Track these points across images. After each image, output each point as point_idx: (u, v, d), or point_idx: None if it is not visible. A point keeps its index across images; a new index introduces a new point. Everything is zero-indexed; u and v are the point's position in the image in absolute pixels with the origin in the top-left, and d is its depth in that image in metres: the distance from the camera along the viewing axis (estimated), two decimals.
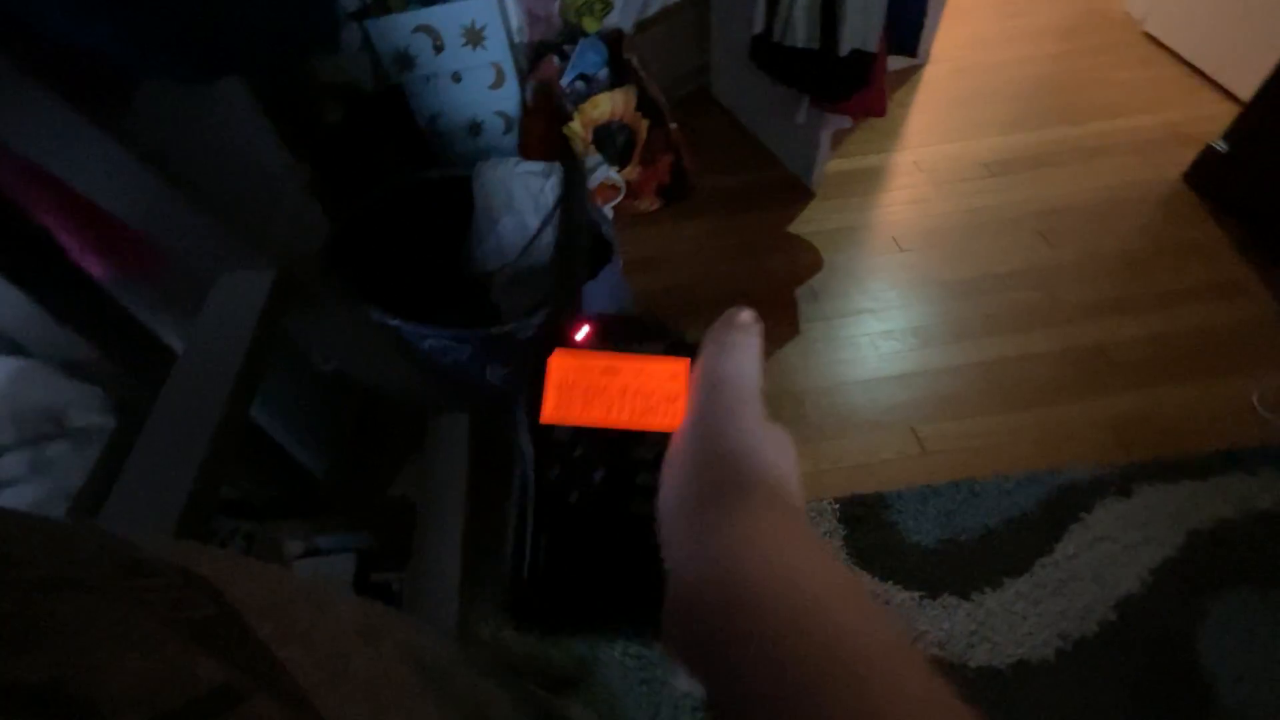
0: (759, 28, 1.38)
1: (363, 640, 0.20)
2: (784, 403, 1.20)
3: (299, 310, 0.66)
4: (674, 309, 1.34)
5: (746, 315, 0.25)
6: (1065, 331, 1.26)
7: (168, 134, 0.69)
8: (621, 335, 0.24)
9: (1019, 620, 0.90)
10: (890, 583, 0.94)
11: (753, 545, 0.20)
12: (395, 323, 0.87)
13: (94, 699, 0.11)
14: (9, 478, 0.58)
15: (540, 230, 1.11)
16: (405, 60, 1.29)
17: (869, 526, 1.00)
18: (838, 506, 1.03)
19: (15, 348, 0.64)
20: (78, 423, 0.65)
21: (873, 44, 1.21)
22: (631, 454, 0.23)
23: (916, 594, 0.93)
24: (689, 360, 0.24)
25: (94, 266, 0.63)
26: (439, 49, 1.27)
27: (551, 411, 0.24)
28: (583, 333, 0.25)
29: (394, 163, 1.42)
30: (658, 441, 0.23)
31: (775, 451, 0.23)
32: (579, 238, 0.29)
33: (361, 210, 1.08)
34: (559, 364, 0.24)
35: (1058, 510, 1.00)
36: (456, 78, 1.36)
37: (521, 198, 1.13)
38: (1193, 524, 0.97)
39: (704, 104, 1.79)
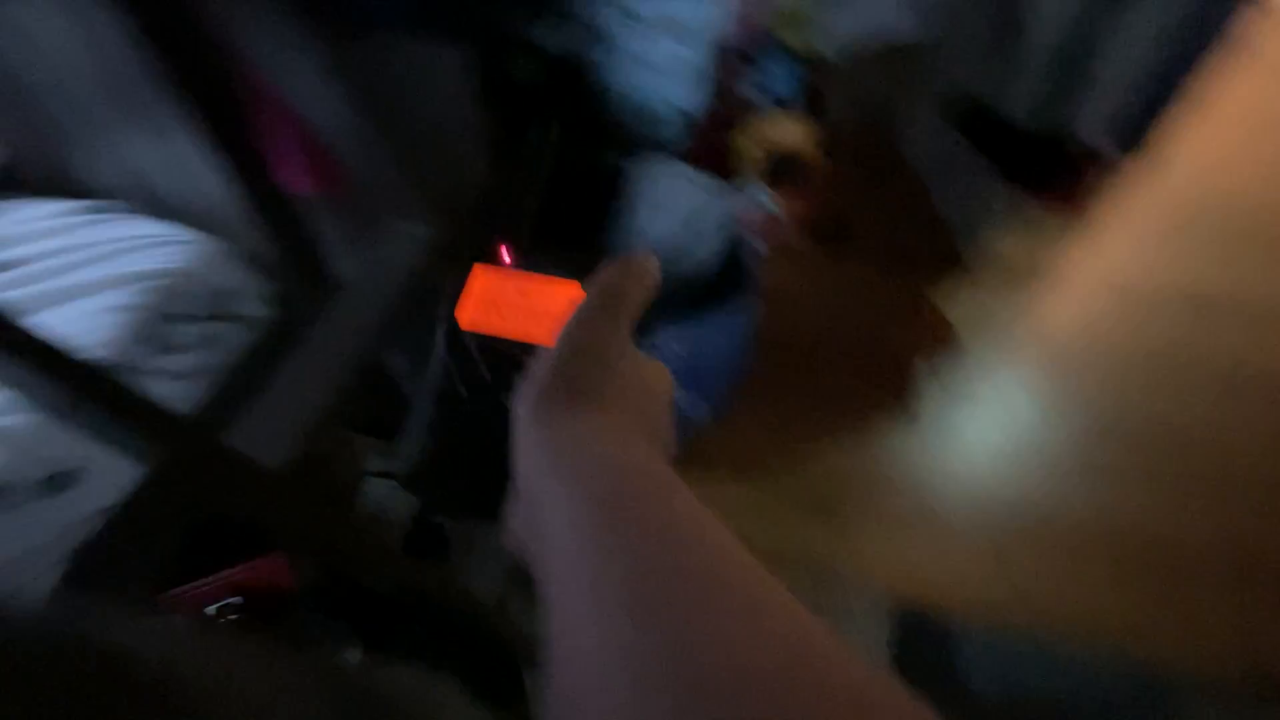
0: (976, 89, 1.27)
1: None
2: (873, 483, 1.13)
3: (445, 269, 0.69)
4: (787, 356, 1.29)
5: (638, 262, 0.26)
6: (1230, 519, 1.09)
7: (382, 73, 0.74)
8: (544, 260, 0.28)
9: None
10: None
11: (581, 439, 0.20)
12: None
13: None
14: (180, 345, 0.66)
15: (689, 246, 1.10)
16: (601, 35, 1.31)
17: (924, 650, 0.93)
18: (898, 612, 0.96)
19: (216, 229, 0.71)
20: (246, 310, 0.72)
21: (1098, 136, 1.08)
22: (518, 359, 0.26)
23: None
24: (579, 282, 0.26)
25: (291, 178, 0.70)
26: (636, 31, 1.28)
27: (468, 319, 0.27)
28: (507, 253, 0.29)
29: (565, 129, 1.45)
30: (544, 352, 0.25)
31: (647, 374, 0.24)
32: (540, 180, 0.34)
33: (519, 179, 1.12)
34: (481, 277, 0.27)
35: (1145, 705, 0.88)
36: (647, 62, 1.36)
37: (675, 206, 1.13)
38: None
39: (883, 148, 1.69)
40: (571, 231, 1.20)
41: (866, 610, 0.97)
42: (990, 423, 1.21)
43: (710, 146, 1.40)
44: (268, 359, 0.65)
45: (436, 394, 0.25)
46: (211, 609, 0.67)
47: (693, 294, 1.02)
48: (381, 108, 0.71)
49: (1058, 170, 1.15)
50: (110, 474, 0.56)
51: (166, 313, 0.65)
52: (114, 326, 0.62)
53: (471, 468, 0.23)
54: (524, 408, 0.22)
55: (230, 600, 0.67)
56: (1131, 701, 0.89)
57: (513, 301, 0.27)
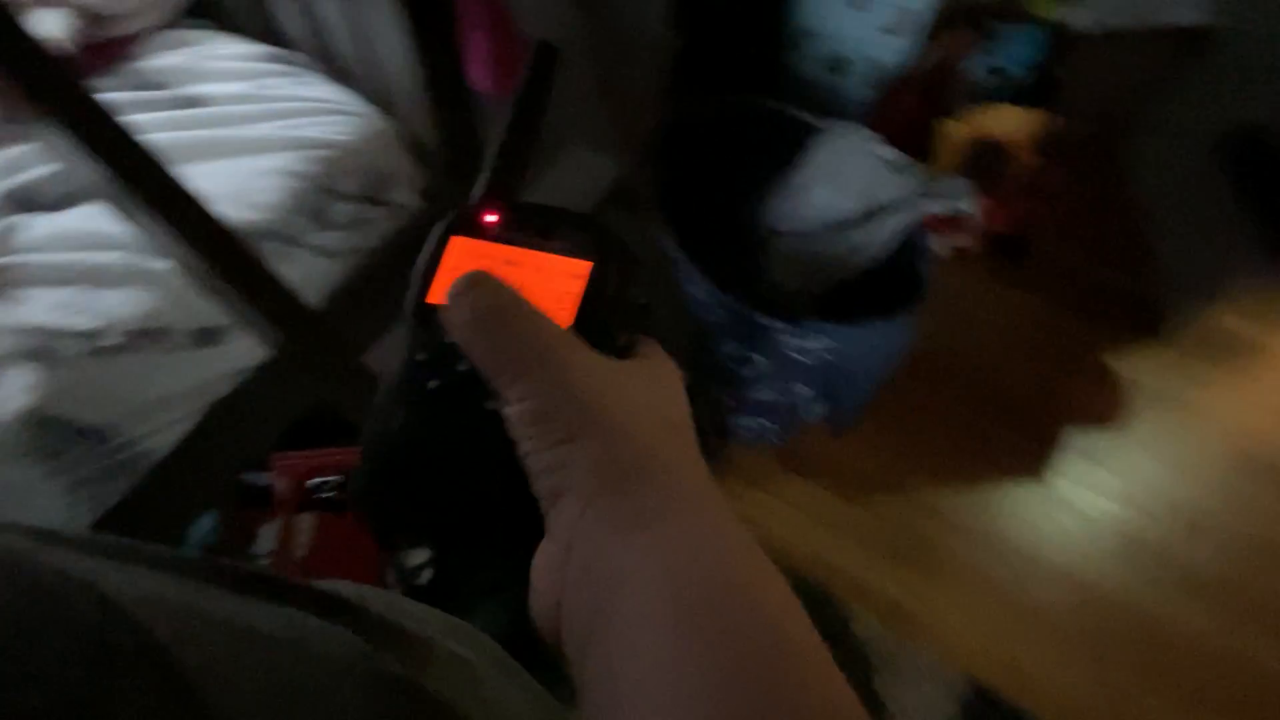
0: (1265, 111, 1.02)
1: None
2: (978, 542, 1.02)
3: (619, 211, 0.63)
4: (925, 370, 1.15)
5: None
6: None
7: None
8: (534, 228, 0.23)
9: None
10: None
11: (653, 529, 0.17)
12: (676, 256, 0.82)
13: None
14: (334, 223, 0.64)
15: (853, 222, 0.97)
16: None
17: None
18: (969, 686, 0.88)
19: (389, 107, 0.68)
20: (398, 198, 0.69)
21: None
22: None
23: None
24: (591, 263, 0.22)
25: (477, 74, 0.64)
26: None
27: (438, 293, 0.22)
28: (491, 219, 0.23)
29: (749, 66, 1.31)
30: None
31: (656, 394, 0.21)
32: (535, 118, 0.26)
33: (694, 117, 1.01)
34: (458, 248, 0.23)
35: None
36: (859, 3, 1.18)
37: (854, 176, 0.99)
38: None
39: (1105, 161, 1.43)
40: (722, 199, 1.09)
41: (933, 676, 0.90)
42: (1131, 513, 1.06)
43: (910, 122, 1.22)
44: (407, 260, 0.62)
45: (399, 387, 0.18)
46: (314, 482, 0.70)
47: (854, 288, 0.92)
48: (586, 15, 0.63)
49: None
50: (251, 338, 0.56)
51: (328, 187, 0.64)
52: (278, 191, 0.61)
53: (442, 484, 0.17)
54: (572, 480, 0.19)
55: (330, 479, 0.69)
56: None
57: (500, 277, 0.22)
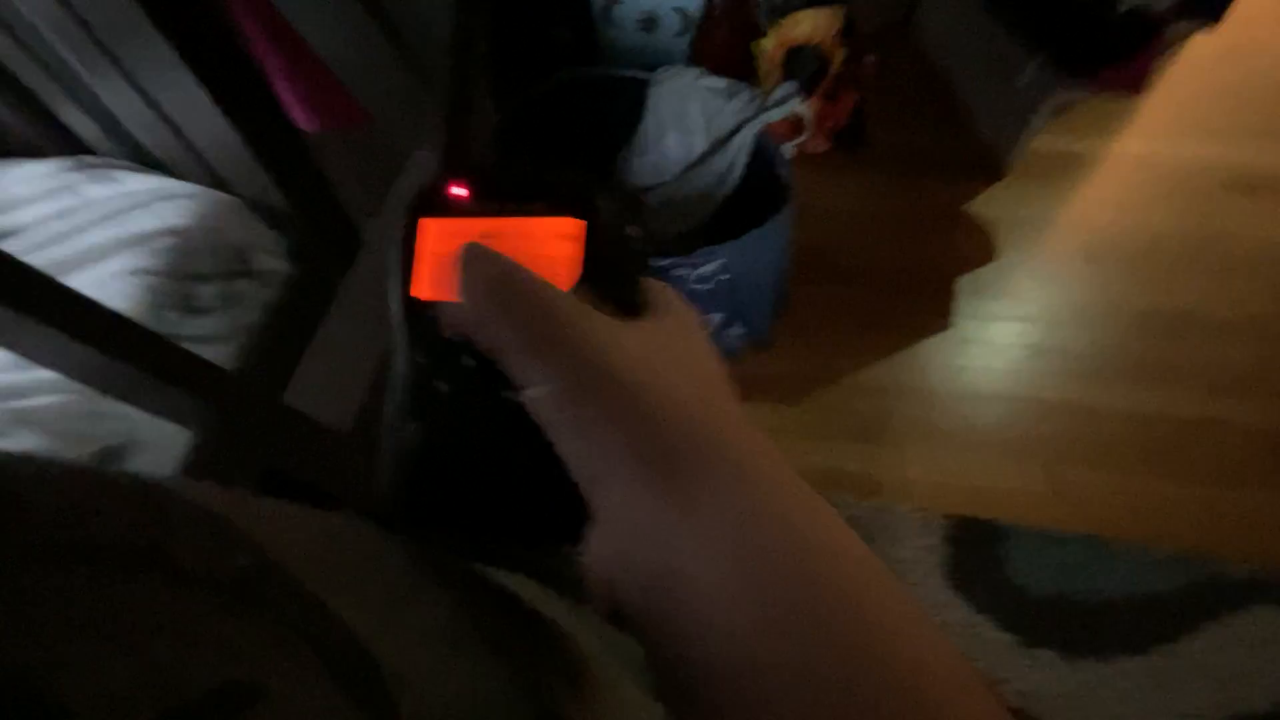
0: None
1: (417, 590, 0.18)
2: (912, 398, 1.11)
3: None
4: (816, 272, 1.24)
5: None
6: (1274, 408, 1.07)
7: None
8: (508, 191, 0.20)
9: (1119, 699, 0.83)
10: (985, 616, 0.89)
11: (751, 528, 0.16)
12: None
13: (64, 701, 0.09)
14: (203, 307, 0.62)
15: (707, 155, 1.03)
16: None
17: (975, 554, 0.94)
18: (946, 523, 0.97)
19: (220, 182, 0.66)
20: (263, 265, 0.68)
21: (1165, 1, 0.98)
22: None
23: (1012, 637, 0.88)
24: (581, 220, 0.20)
25: (303, 119, 0.63)
26: None
27: (422, 286, 0.20)
28: (457, 191, 0.21)
29: (565, 47, 1.34)
30: None
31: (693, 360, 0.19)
32: (471, 84, 0.24)
33: (528, 101, 1.04)
34: (430, 232, 0.20)
35: (1198, 601, 0.89)
36: None
37: (694, 115, 1.05)
38: None
39: (901, 42, 1.57)
40: (579, 160, 1.13)
41: (918, 525, 0.98)
42: (1030, 328, 1.18)
43: (728, 52, 1.29)
44: (301, 315, 0.61)
45: (407, 398, 0.19)
46: None
47: (726, 210, 0.97)
48: (390, 29, 0.64)
49: (1110, 48, 1.05)
50: (160, 445, 0.53)
51: (183, 273, 0.61)
52: (131, 292, 0.58)
53: (471, 488, 0.16)
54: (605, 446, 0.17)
55: None
56: (1182, 596, 0.90)
57: None
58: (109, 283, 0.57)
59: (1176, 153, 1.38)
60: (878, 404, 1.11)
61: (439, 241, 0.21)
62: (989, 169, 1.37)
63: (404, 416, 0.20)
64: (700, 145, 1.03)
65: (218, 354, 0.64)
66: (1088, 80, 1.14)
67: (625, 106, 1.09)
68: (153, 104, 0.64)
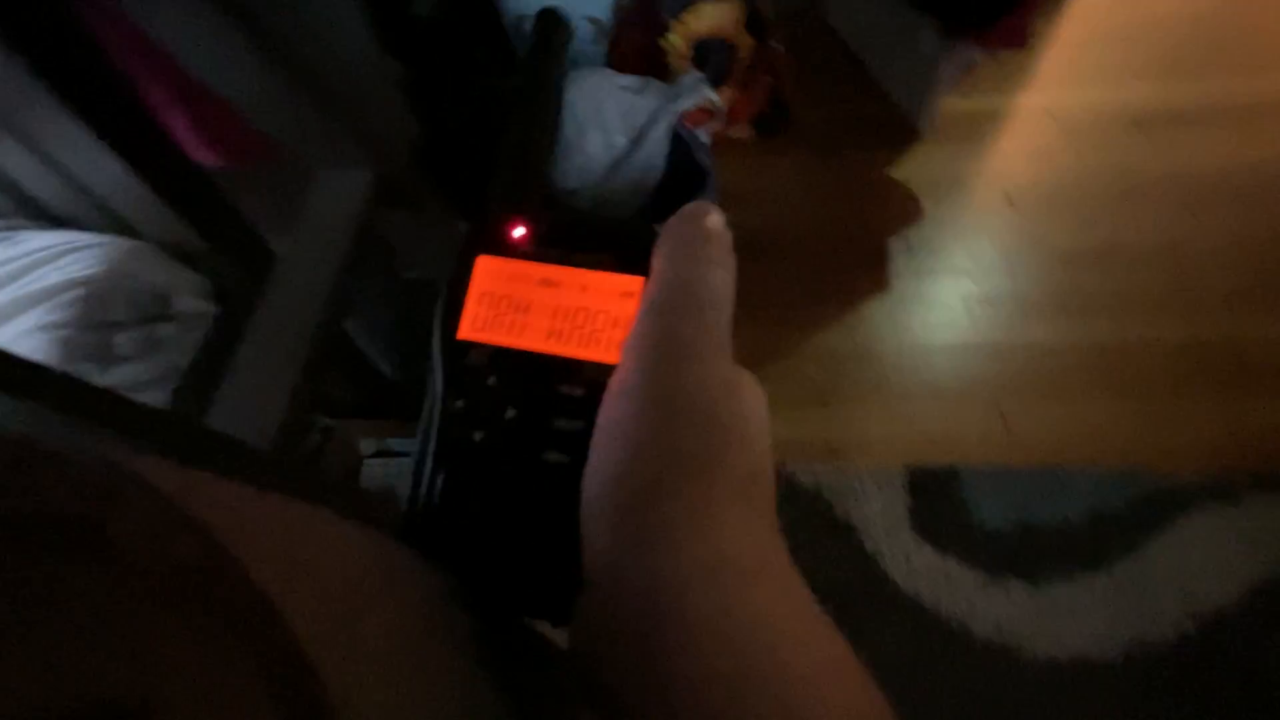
0: None
1: (378, 596, 0.17)
2: (862, 359, 1.14)
3: (394, 214, 0.64)
4: (753, 252, 1.27)
5: (717, 218, 0.19)
6: (1195, 321, 1.13)
7: (274, 18, 0.66)
8: (573, 239, 0.19)
9: (1087, 615, 0.86)
10: (952, 558, 0.92)
11: (711, 579, 0.15)
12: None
13: None
14: (123, 355, 0.61)
15: (630, 151, 1.05)
16: None
17: (937, 499, 0.97)
18: (906, 474, 0.99)
19: (128, 229, 0.65)
20: (183, 307, 0.67)
21: None
22: (557, 389, 0.19)
23: (979, 573, 0.90)
24: (644, 277, 0.19)
25: (204, 156, 0.63)
26: None
27: (469, 327, 0.19)
28: (520, 232, 0.19)
29: (485, 64, 1.36)
30: (593, 377, 0.18)
31: (748, 408, 0.18)
32: (547, 105, 0.23)
33: (452, 114, 1.05)
34: (486, 270, 0.19)
35: (1151, 511, 0.93)
36: None
37: (611, 114, 1.07)
38: None
39: (811, 24, 1.62)
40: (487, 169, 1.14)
41: (880, 480, 1.00)
42: (964, 279, 1.22)
43: (642, 55, 1.32)
44: (222, 350, 0.60)
45: (437, 440, 0.19)
46: None
47: (658, 201, 0.99)
48: (282, 55, 0.64)
49: (988, 7, 1.11)
50: None
51: (97, 322, 0.60)
52: (43, 347, 0.57)
53: (486, 540, 0.18)
54: (602, 483, 0.16)
55: None
56: (1135, 508, 0.94)
57: (536, 300, 0.19)
58: (18, 342, 0.56)
59: (1077, 99, 1.45)
60: (829, 370, 1.14)
61: (492, 282, 0.20)
62: (907, 134, 1.43)
63: (430, 465, 0.19)
64: (621, 142, 1.05)
65: (149, 400, 0.63)
66: (974, 40, 1.20)
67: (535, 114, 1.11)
68: (50, 161, 0.64)
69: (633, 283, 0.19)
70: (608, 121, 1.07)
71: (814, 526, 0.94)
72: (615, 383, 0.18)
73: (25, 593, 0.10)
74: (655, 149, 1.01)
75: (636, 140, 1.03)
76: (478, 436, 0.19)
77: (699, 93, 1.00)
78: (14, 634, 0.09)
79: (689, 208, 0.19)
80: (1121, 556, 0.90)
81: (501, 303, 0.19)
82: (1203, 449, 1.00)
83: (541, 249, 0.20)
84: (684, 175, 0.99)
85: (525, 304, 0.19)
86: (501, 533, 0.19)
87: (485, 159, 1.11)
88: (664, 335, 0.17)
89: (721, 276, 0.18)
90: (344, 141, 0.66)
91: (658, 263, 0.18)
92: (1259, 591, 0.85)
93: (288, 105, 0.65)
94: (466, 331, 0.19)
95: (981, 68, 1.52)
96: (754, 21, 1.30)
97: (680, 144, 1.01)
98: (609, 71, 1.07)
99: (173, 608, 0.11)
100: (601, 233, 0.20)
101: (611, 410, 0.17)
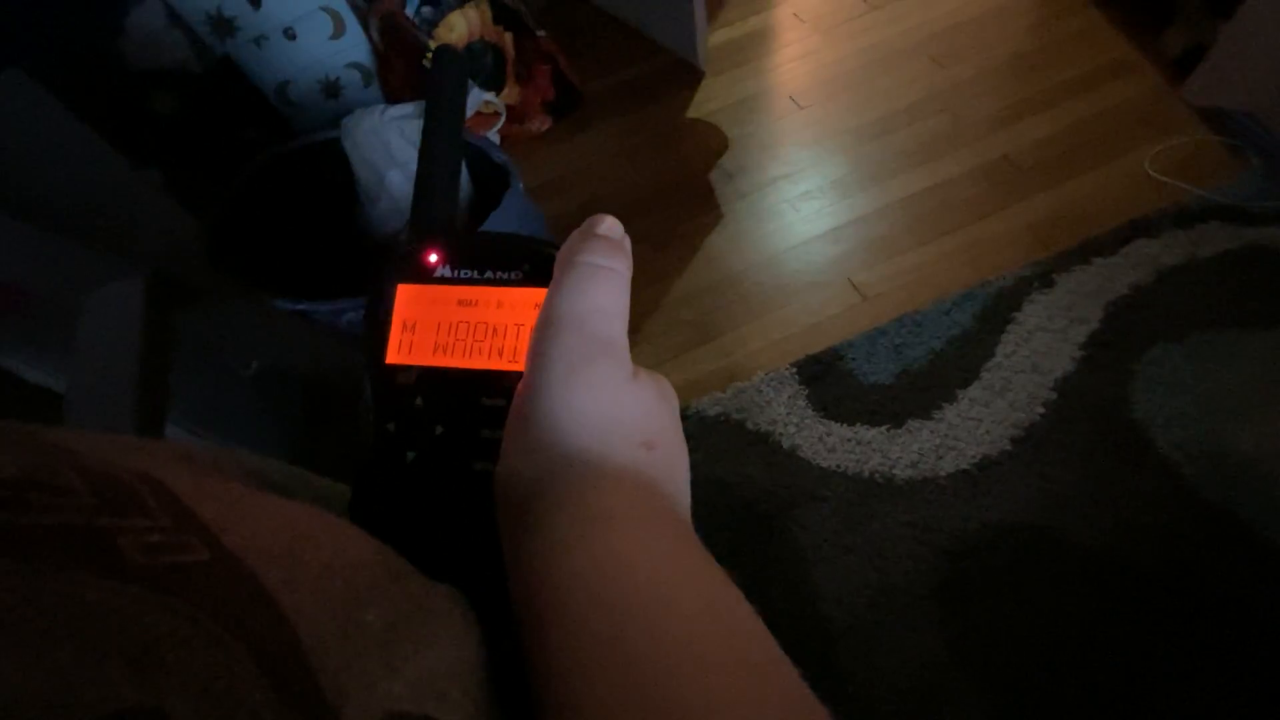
0: None
1: (380, 587, 0.17)
2: (723, 288, 1.21)
3: (187, 310, 0.61)
4: None
5: (608, 225, 0.21)
6: (972, 149, 1.28)
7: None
8: (484, 260, 0.21)
9: (975, 424, 0.96)
10: (858, 424, 0.99)
11: (570, 547, 0.16)
12: (301, 305, 0.82)
13: None
14: None
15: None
16: (223, 26, 1.15)
17: (828, 379, 1.04)
18: (795, 370, 1.06)
19: None
20: None
21: None
22: (480, 402, 0.20)
23: (884, 428, 0.98)
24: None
25: None
26: (256, 3, 1.13)
27: (396, 352, 0.20)
28: (434, 259, 0.21)
29: (257, 142, 1.29)
30: (512, 386, 0.20)
31: (642, 411, 0.19)
32: (446, 139, 0.24)
33: (234, 198, 0.99)
34: (407, 297, 0.21)
35: (992, 317, 1.05)
36: (290, 34, 1.22)
37: (400, 147, 1.05)
38: (1110, 296, 1.04)
39: (569, 3, 1.67)
40: (317, 238, 1.10)
41: (776, 385, 1.06)
42: (784, 183, 1.31)
43: (410, 82, 1.31)
44: None
45: (374, 467, 0.20)
46: None
47: (480, 216, 0.99)
48: (10, 194, 0.59)
49: None
50: None
51: None
52: None
53: (426, 554, 0.19)
54: (505, 487, 0.18)
55: None
56: (980, 320, 1.06)
57: (454, 320, 0.20)
58: None
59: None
60: (698, 307, 1.19)
61: (414, 308, 0.21)
62: (690, 75, 1.51)
63: (369, 483, 0.20)
64: (413, 169, 1.04)
65: None
66: None
67: (339, 168, 1.08)
68: None
69: (541, 294, 0.20)
70: (399, 156, 1.06)
71: (733, 445, 0.99)
72: (517, 391, 0.19)
73: (41, 605, 0.10)
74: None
75: None
76: (410, 456, 0.20)
77: (475, 100, 1.00)
78: (32, 647, 0.09)
79: (586, 222, 0.21)
80: (983, 364, 1.01)
81: (424, 326, 0.20)
82: (1015, 251, 1.14)
83: (456, 272, 0.21)
84: (488, 179, 1.00)
85: (446, 325, 0.21)
86: (439, 541, 0.19)
87: (289, 229, 1.06)
88: (551, 347, 0.18)
89: (608, 283, 0.20)
90: (108, 264, 0.61)
91: (553, 279, 0.20)
92: (1086, 346, 0.99)
93: (28, 247, 0.59)
94: (394, 356, 0.20)
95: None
96: (509, 17, 1.32)
97: (474, 151, 1.01)
98: (379, 107, 1.05)
99: (181, 614, 0.11)
100: (509, 251, 0.21)
101: (512, 418, 0.19)
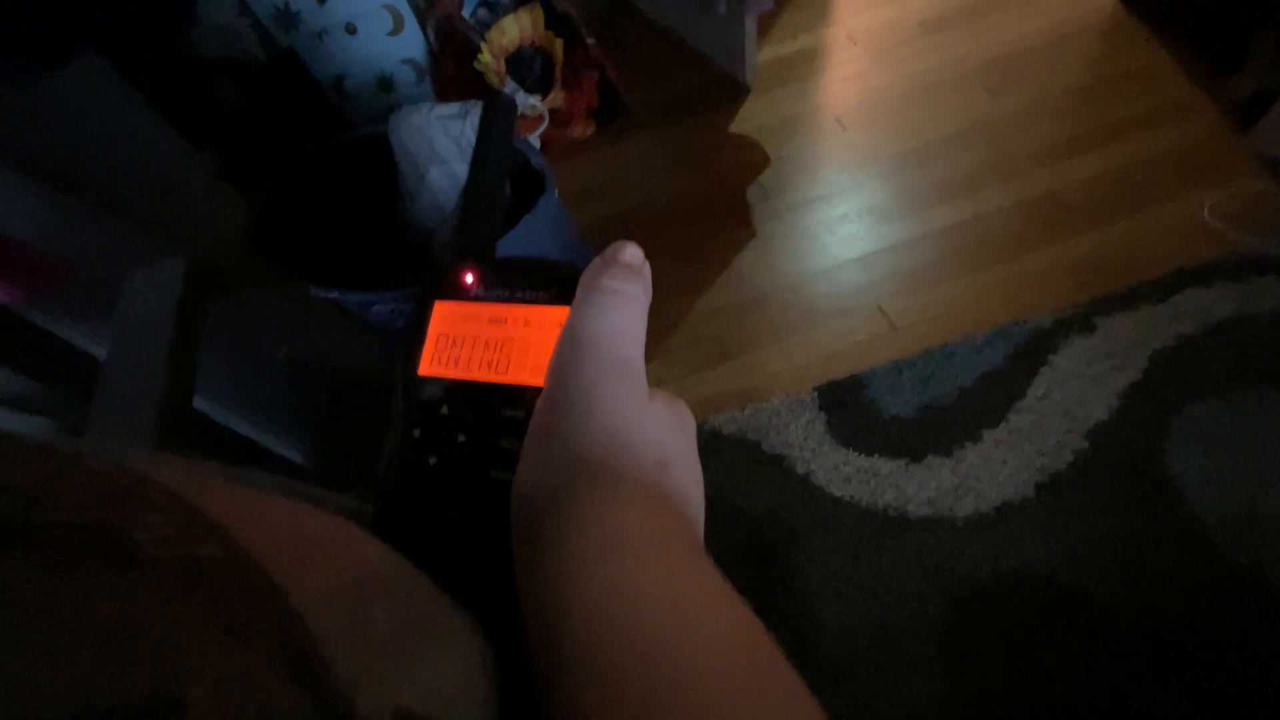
0: None
1: (385, 586, 0.18)
2: (750, 306, 1.20)
3: (224, 295, 0.64)
4: (626, 234, 1.31)
5: (630, 253, 0.22)
6: (1017, 184, 1.25)
7: (39, 139, 0.64)
8: (515, 280, 0.22)
9: (999, 466, 0.94)
10: (876, 455, 0.98)
11: (590, 571, 0.16)
12: (334, 294, 0.84)
13: (13, 695, 0.09)
14: None
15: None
16: (288, 18, 1.20)
17: (848, 408, 1.03)
18: (816, 395, 1.05)
19: None
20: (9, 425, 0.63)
21: None
22: (502, 413, 0.21)
23: (902, 461, 0.96)
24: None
25: (3, 295, 0.60)
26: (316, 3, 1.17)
27: (428, 364, 0.22)
28: (470, 278, 0.23)
29: (309, 133, 1.34)
30: (533, 400, 0.21)
31: (658, 432, 0.20)
32: (490, 174, 0.26)
33: (281, 185, 1.03)
34: (442, 313, 0.23)
35: (1025, 357, 1.03)
36: (350, 29, 1.26)
37: (444, 145, 1.08)
38: (1154, 345, 1.00)
39: (620, 13, 1.69)
40: (360, 231, 1.13)
41: (795, 408, 1.05)
42: (821, 205, 1.30)
43: (460, 82, 1.34)
44: None
45: (398, 471, 0.21)
46: None
47: (517, 217, 1.01)
48: (54, 172, 0.62)
49: None
50: None
51: None
52: None
53: (442, 555, 0.20)
54: (524, 498, 0.18)
55: None
56: (1012, 359, 1.03)
57: (485, 336, 0.22)
58: None
59: (872, 20, 1.58)
60: (722, 324, 1.19)
61: (447, 324, 0.22)
62: (735, 91, 1.51)
63: (392, 485, 0.21)
64: (461, 169, 1.07)
65: None
66: None
67: (385, 162, 1.11)
68: None
69: (565, 313, 0.21)
70: (442, 154, 1.08)
71: (746, 465, 0.98)
72: (537, 407, 0.20)
73: (61, 600, 0.10)
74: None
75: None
76: (432, 461, 0.21)
77: (524, 102, 1.02)
78: (49, 637, 0.09)
79: (609, 249, 0.22)
80: (1012, 405, 0.98)
81: (456, 341, 0.22)
82: (1053, 291, 1.11)
83: (489, 291, 0.23)
84: (525, 182, 1.01)
85: (477, 340, 0.22)
86: (456, 546, 0.20)
87: (331, 218, 1.10)
88: (570, 367, 0.20)
89: (627, 308, 0.21)
90: (155, 243, 0.64)
91: (575, 302, 0.21)
92: (1124, 395, 0.96)
93: (84, 226, 0.63)
94: (426, 368, 0.22)
95: (782, 14, 1.63)
96: (560, 22, 1.34)
97: (514, 153, 1.03)
98: (427, 105, 1.08)
99: (197, 605, 0.12)
100: (538, 272, 0.23)
101: (532, 432, 0.20)
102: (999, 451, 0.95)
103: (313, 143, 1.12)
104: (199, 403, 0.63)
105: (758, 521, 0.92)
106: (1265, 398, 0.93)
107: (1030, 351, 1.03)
